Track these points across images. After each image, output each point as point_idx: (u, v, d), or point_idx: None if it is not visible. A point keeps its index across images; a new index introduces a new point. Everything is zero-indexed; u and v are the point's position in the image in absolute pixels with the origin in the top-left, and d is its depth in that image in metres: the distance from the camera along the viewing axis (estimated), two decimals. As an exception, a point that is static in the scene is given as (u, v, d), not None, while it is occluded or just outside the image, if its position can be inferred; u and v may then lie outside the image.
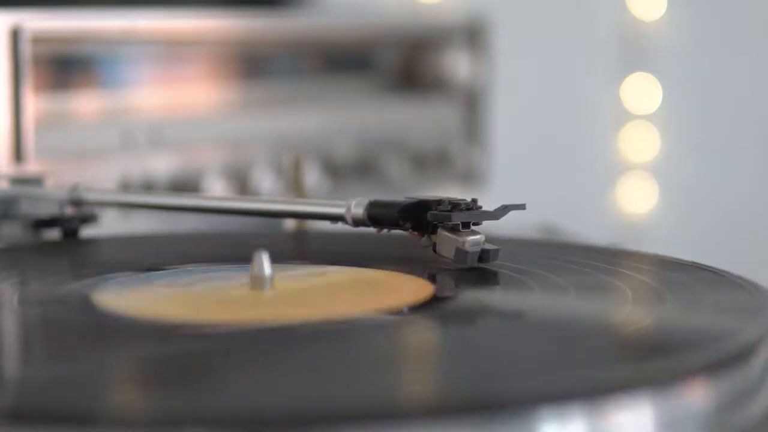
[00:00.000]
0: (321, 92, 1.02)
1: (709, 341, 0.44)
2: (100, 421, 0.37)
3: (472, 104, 1.10)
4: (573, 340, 0.45)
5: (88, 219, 0.66)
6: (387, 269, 0.56)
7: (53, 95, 0.82)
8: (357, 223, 0.58)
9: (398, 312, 0.49)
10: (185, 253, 0.62)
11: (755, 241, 1.24)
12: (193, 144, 0.86)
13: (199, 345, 0.45)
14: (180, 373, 0.41)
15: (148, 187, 0.82)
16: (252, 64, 0.97)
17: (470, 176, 1.09)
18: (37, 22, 0.75)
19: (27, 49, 0.74)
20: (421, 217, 0.56)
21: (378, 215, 0.57)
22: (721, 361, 0.42)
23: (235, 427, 0.36)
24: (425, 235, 0.56)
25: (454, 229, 0.55)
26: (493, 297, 0.53)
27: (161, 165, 0.83)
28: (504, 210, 0.55)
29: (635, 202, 1.25)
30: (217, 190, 0.85)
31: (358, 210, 0.58)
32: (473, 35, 1.09)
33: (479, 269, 0.55)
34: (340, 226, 0.59)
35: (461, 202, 0.55)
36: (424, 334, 0.48)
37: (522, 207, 0.55)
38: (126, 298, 0.52)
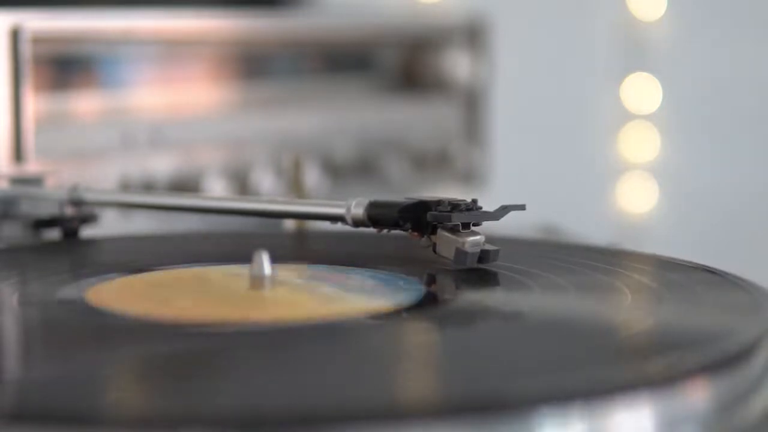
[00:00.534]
0: (321, 92, 1.02)
1: (708, 341, 0.44)
2: (100, 421, 0.37)
3: (472, 104, 1.10)
4: (573, 340, 0.45)
5: (88, 219, 0.66)
6: (387, 269, 0.56)
7: (53, 95, 0.82)
8: (357, 223, 0.58)
9: (398, 312, 0.49)
10: (185, 253, 0.62)
11: (755, 241, 1.24)
12: (193, 144, 0.86)
13: (199, 345, 0.45)
14: (180, 373, 0.41)
15: (148, 187, 0.82)
16: (252, 64, 0.97)
17: (470, 176, 1.09)
18: (37, 22, 0.75)
19: (27, 49, 0.74)
20: (421, 217, 0.56)
21: (378, 215, 0.57)
22: (721, 361, 0.42)
23: (235, 427, 0.36)
24: (425, 236, 0.56)
25: (454, 230, 0.55)
26: (493, 297, 0.53)
27: (161, 165, 0.83)
28: (504, 210, 0.55)
29: (635, 202, 1.25)
30: (217, 190, 0.85)
31: (358, 210, 0.58)
32: (473, 35, 1.09)
33: (479, 270, 0.55)
34: (340, 227, 0.59)
35: (461, 202, 0.55)
36: (423, 335, 0.48)
37: (522, 207, 0.55)
38: (125, 298, 0.52)
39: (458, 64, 1.09)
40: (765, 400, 0.42)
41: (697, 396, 0.40)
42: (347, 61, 1.06)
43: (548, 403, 0.37)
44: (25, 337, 0.48)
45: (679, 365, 0.41)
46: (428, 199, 0.56)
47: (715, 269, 0.54)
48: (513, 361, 0.43)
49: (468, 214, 0.55)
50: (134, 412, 0.38)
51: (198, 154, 0.86)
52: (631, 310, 0.50)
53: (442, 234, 0.55)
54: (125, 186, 0.81)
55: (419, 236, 0.56)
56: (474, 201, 0.56)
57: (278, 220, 0.68)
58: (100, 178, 0.79)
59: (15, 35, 0.74)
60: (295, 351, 0.43)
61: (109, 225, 0.70)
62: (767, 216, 1.24)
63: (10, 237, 0.65)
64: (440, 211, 0.55)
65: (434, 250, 0.56)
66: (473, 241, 0.55)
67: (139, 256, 0.62)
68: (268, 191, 0.88)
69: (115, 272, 0.55)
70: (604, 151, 1.24)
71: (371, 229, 0.58)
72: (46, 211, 0.65)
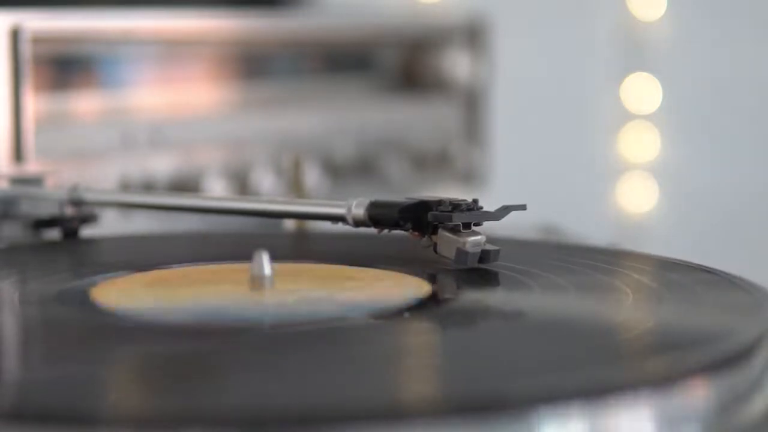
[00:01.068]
0: (321, 92, 1.02)
1: (708, 341, 0.44)
2: (100, 421, 0.37)
3: (472, 104, 1.10)
4: (573, 340, 0.45)
5: (88, 219, 0.66)
6: (387, 269, 0.56)
7: (53, 95, 0.82)
8: (357, 223, 0.58)
9: (399, 312, 0.49)
10: (185, 253, 0.62)
11: (755, 241, 1.24)
12: (193, 144, 0.86)
13: (199, 345, 0.45)
14: (180, 373, 0.41)
15: (148, 187, 0.82)
16: (252, 64, 0.97)
17: (470, 176, 1.09)
18: (37, 22, 0.75)
19: (27, 49, 0.74)
20: (422, 217, 0.56)
21: (378, 215, 0.57)
22: (721, 361, 0.42)
23: (235, 427, 0.36)
24: (426, 236, 0.56)
25: (454, 230, 0.55)
26: (494, 297, 0.53)
27: (161, 165, 0.83)
28: (505, 210, 0.55)
29: (635, 202, 1.25)
30: (217, 190, 0.85)
31: (358, 210, 0.58)
32: (473, 35, 1.09)
33: (480, 270, 0.55)
34: (340, 227, 0.59)
35: (462, 202, 0.55)
36: (424, 335, 0.48)
37: (522, 207, 0.55)
38: (125, 297, 0.52)
39: (458, 64, 1.09)
40: (765, 400, 0.42)
41: (697, 396, 0.40)
42: (347, 61, 1.06)
43: (548, 403, 0.37)
44: (25, 336, 0.48)
45: (679, 365, 0.41)
46: (429, 199, 0.56)
47: (715, 269, 0.54)
48: (513, 361, 0.43)
49: (469, 214, 0.55)
50: (134, 412, 0.38)
51: (198, 154, 0.86)
52: (631, 310, 0.50)
53: (443, 234, 0.55)
54: (125, 186, 0.81)
55: (420, 236, 0.56)
56: (475, 201, 0.56)
57: (278, 220, 0.68)
58: (100, 178, 0.79)
59: (15, 35, 0.74)
60: (295, 351, 0.43)
61: (109, 225, 0.70)
62: (767, 216, 1.24)
63: (10, 237, 0.65)
64: (441, 211, 0.55)
65: (435, 250, 0.56)
66: (474, 241, 0.55)
67: (139, 256, 0.62)
68: (268, 191, 0.88)
69: (115, 272, 0.55)
70: (604, 151, 1.24)
71: (372, 229, 0.58)
72: (46, 211, 0.65)
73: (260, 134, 0.91)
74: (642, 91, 1.23)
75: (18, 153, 0.74)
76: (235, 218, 0.63)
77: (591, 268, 0.56)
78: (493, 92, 1.11)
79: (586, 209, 1.20)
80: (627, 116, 1.24)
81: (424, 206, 0.56)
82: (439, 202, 0.55)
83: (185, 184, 0.84)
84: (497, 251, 0.55)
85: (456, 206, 0.55)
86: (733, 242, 1.22)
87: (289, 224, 0.68)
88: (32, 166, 0.74)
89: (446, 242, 0.55)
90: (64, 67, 0.83)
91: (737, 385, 0.41)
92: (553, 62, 1.24)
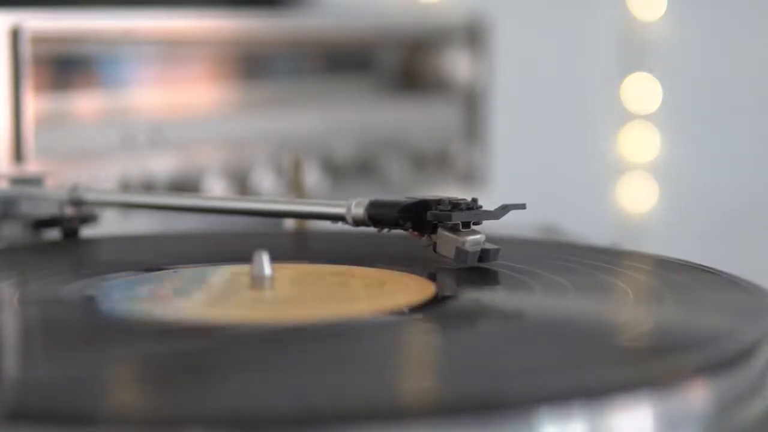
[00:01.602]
0: (321, 92, 1.02)
1: (708, 341, 0.44)
2: (100, 421, 0.37)
3: (472, 104, 1.10)
4: (573, 340, 0.45)
5: (88, 219, 0.66)
6: (387, 269, 0.56)
7: (53, 95, 0.82)
8: (357, 223, 0.58)
9: (399, 312, 0.49)
10: (185, 253, 0.62)
11: (755, 241, 1.24)
12: (193, 144, 0.86)
13: (199, 345, 0.45)
14: (180, 373, 0.41)
15: (148, 187, 0.82)
16: (252, 64, 0.97)
17: (470, 176, 1.09)
18: (37, 22, 0.75)
19: (27, 49, 0.74)
20: (422, 216, 0.56)
21: (378, 215, 0.57)
22: (721, 361, 0.42)
23: (235, 427, 0.36)
24: (425, 235, 0.56)
25: (454, 229, 0.55)
26: (494, 297, 0.53)
27: (161, 165, 0.83)
28: (504, 210, 0.55)
29: (635, 202, 1.25)
30: (217, 190, 0.85)
31: (358, 210, 0.58)
32: (473, 35, 1.09)
33: (479, 269, 0.55)
34: (340, 226, 0.59)
35: (461, 201, 0.55)
36: (424, 334, 0.48)
37: (522, 207, 0.55)
38: (125, 298, 0.52)
39: (458, 64, 1.09)
40: (765, 401, 0.42)
41: (697, 396, 0.40)
42: (347, 61, 1.06)
43: (548, 403, 0.37)
44: (25, 337, 0.48)
45: (679, 365, 0.41)
46: (428, 198, 0.56)
47: (716, 269, 0.54)
48: (513, 361, 0.43)
49: (468, 213, 0.55)
50: (134, 412, 0.38)
51: (198, 154, 0.86)
52: (631, 311, 0.50)
53: (443, 233, 0.55)
54: (125, 186, 0.81)
55: (419, 235, 0.56)
56: (474, 200, 0.56)
57: (278, 220, 0.68)
58: (100, 178, 0.79)
59: (15, 35, 0.74)
60: (295, 351, 0.43)
61: (109, 225, 0.70)
62: (767, 216, 1.24)
63: (10, 237, 0.65)
64: (440, 210, 0.55)
65: (434, 250, 0.56)
66: (474, 240, 0.55)
67: (139, 256, 0.62)
68: (268, 191, 0.88)
69: (115, 272, 0.55)
70: (604, 151, 1.24)
71: (371, 229, 0.58)
72: (46, 211, 0.65)
73: (260, 134, 0.91)
74: (642, 91, 1.23)
75: (18, 153, 0.74)
76: (235, 218, 0.63)
77: (591, 268, 0.56)
78: (493, 92, 1.11)
79: (586, 209, 1.20)
80: (627, 116, 1.24)
81: (423, 205, 0.56)
82: (439, 202, 0.55)
83: (185, 184, 0.84)
84: (497, 250, 0.55)
85: (455, 205, 0.55)
86: (733, 242, 1.22)
87: (289, 224, 0.68)
88: (32, 166, 0.74)
89: (446, 241, 0.55)
90: (64, 67, 0.83)
91: (737, 385, 0.41)
92: (552, 62, 1.24)
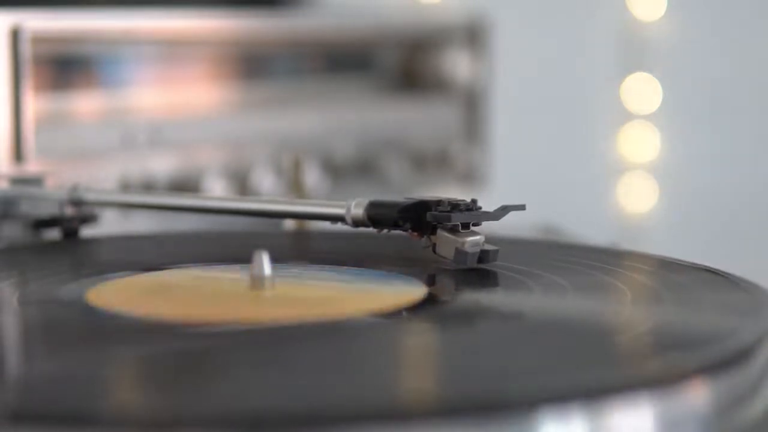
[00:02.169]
0: (321, 92, 1.02)
1: (709, 341, 0.44)
2: (100, 421, 0.37)
3: (472, 104, 1.10)
4: (573, 340, 0.45)
5: (88, 219, 0.66)
6: (387, 269, 0.56)
7: (53, 95, 0.82)
8: (357, 223, 0.58)
9: (398, 312, 0.49)
10: (185, 253, 0.62)
11: (755, 241, 1.24)
12: (193, 144, 0.86)
13: (199, 345, 0.45)
14: (180, 373, 0.41)
15: (148, 187, 0.82)
16: (252, 64, 0.97)
17: (470, 176, 1.09)
18: (37, 22, 0.75)
19: (27, 49, 0.74)
20: (421, 217, 0.56)
21: (378, 216, 0.57)
22: (721, 361, 0.42)
23: (235, 427, 0.36)
24: (425, 236, 0.56)
25: (453, 230, 0.55)
26: (493, 298, 0.53)
27: (161, 165, 0.83)
28: (504, 210, 0.55)
29: (635, 202, 1.25)
30: (217, 190, 0.85)
31: (357, 210, 0.58)
32: (473, 35, 1.09)
33: (479, 270, 0.55)
34: (340, 227, 0.59)
35: (461, 202, 0.55)
36: (423, 335, 0.48)
37: (522, 207, 0.55)
38: (126, 298, 0.52)
39: (458, 64, 1.09)
40: (765, 401, 0.42)
41: (697, 396, 0.40)
42: (347, 61, 1.06)
43: (548, 403, 0.37)
44: (26, 336, 0.48)
45: (679, 365, 0.41)
46: (428, 199, 0.56)
47: (716, 269, 0.54)
48: (513, 361, 0.43)
49: (468, 214, 0.55)
50: (134, 412, 0.38)
51: (198, 154, 0.86)
52: (631, 310, 0.50)
53: (442, 234, 0.55)
54: (125, 186, 0.81)
55: (419, 236, 0.56)
56: (474, 201, 0.56)
57: (278, 220, 0.68)
58: (100, 178, 0.79)
59: (15, 35, 0.74)
60: (295, 351, 0.43)
61: (109, 225, 0.70)
62: (767, 216, 1.24)
63: (10, 237, 0.65)
64: (440, 211, 0.55)
65: (434, 250, 0.56)
66: (473, 241, 0.55)
67: (139, 256, 0.62)
68: (268, 191, 0.88)
69: (116, 272, 0.55)
70: (604, 151, 1.24)
71: (371, 229, 0.58)
72: (46, 211, 0.65)
73: (260, 134, 0.91)
74: (642, 91, 1.23)
75: (18, 153, 0.74)
76: (235, 218, 0.63)
77: (591, 268, 0.56)
78: (493, 92, 1.11)
79: (586, 209, 1.20)
80: (627, 116, 1.24)
81: (423, 206, 0.56)
82: (438, 202, 0.55)
83: (185, 184, 0.84)
84: (496, 251, 0.55)
85: (455, 206, 0.55)
86: (733, 242, 1.22)
87: (289, 224, 0.68)
88: (32, 166, 0.74)
89: (445, 242, 0.55)
90: (64, 67, 0.83)
91: (737, 385, 0.41)
92: (553, 62, 1.24)
